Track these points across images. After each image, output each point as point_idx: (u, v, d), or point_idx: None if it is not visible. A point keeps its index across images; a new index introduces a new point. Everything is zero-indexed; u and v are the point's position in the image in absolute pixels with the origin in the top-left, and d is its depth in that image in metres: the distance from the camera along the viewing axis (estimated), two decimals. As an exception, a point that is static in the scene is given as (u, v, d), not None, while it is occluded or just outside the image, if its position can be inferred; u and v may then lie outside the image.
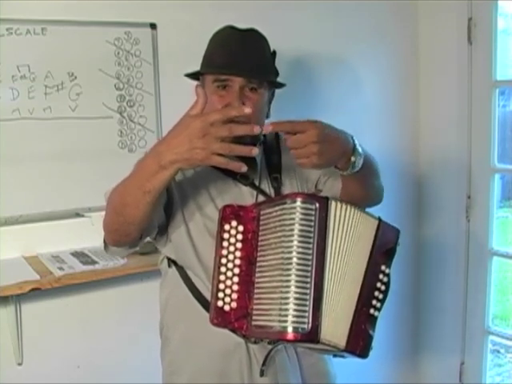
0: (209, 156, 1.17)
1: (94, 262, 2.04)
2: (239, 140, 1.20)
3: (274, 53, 1.58)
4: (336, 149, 1.32)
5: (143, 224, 1.34)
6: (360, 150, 1.38)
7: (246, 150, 1.19)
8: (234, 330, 1.40)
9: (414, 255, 3.13)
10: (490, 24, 2.70)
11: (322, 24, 2.70)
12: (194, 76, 1.59)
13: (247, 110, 1.18)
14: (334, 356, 1.45)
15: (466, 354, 2.96)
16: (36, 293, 1.94)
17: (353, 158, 1.37)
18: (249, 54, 1.49)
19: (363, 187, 1.54)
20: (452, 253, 2.98)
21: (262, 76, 1.51)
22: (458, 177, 2.91)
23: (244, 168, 1.20)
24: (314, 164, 1.29)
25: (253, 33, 1.54)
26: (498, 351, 3.44)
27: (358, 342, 1.32)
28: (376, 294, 1.37)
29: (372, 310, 1.36)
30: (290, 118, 1.29)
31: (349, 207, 1.35)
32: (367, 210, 1.41)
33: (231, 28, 1.55)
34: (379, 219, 1.39)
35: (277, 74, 1.59)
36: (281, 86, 1.61)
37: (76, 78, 2.17)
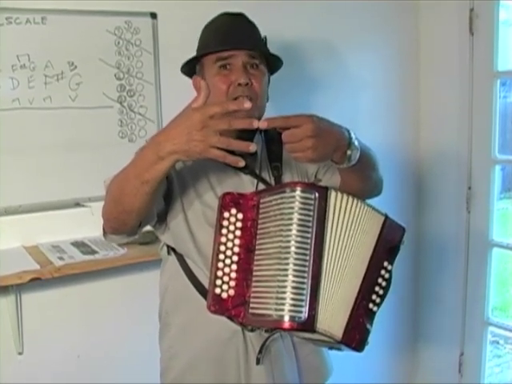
0: (207, 149, 1.18)
1: (94, 252, 2.04)
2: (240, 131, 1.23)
3: (265, 38, 1.60)
4: (331, 143, 1.32)
5: (142, 213, 1.35)
6: (356, 143, 1.38)
7: (244, 146, 1.21)
8: (231, 318, 1.40)
9: (414, 246, 3.13)
10: (491, 15, 2.70)
11: (323, 14, 2.69)
12: (190, 68, 1.60)
13: (247, 105, 1.19)
14: (330, 348, 1.46)
15: (465, 345, 2.97)
16: (36, 283, 1.94)
17: (348, 152, 1.37)
18: (245, 31, 1.53)
19: (361, 180, 1.54)
20: (452, 244, 2.98)
21: (262, 48, 1.54)
22: (459, 168, 2.91)
23: (241, 163, 1.21)
24: (309, 158, 1.30)
25: (244, 16, 1.58)
26: (498, 342, 3.45)
27: (355, 335, 1.32)
28: (376, 289, 1.37)
29: (371, 305, 1.36)
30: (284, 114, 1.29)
31: (350, 198, 1.35)
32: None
33: (222, 14, 1.58)
34: (386, 216, 1.39)
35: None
36: (277, 68, 1.63)
37: (76, 67, 2.17)
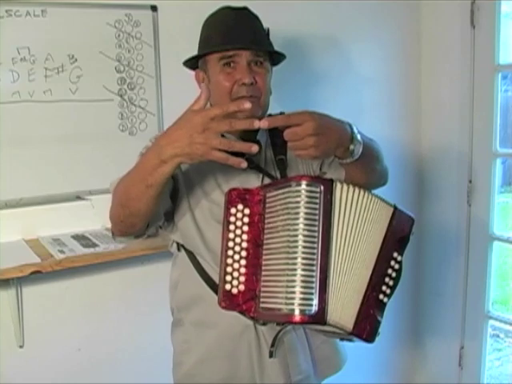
0: (209, 151, 1.18)
1: (94, 245, 2.04)
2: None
3: (268, 30, 1.59)
4: (333, 139, 1.33)
5: (148, 215, 1.36)
6: (358, 137, 1.38)
7: (246, 147, 1.21)
8: (242, 313, 1.40)
9: (415, 239, 3.10)
10: (493, 8, 2.69)
11: (325, 6, 2.68)
12: (193, 62, 1.59)
13: (247, 105, 1.19)
14: (341, 340, 1.46)
15: (465, 339, 2.97)
16: (37, 276, 1.94)
17: (351, 147, 1.38)
18: (249, 28, 1.51)
19: (365, 173, 1.54)
20: (453, 237, 2.98)
21: (268, 47, 1.54)
22: (460, 161, 2.90)
23: (243, 164, 1.22)
24: (311, 156, 1.31)
25: (247, 11, 1.56)
26: (498, 336, 3.46)
27: (365, 326, 1.32)
28: (387, 280, 1.37)
29: (381, 296, 1.36)
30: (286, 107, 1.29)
31: (357, 190, 1.35)
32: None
33: (225, 8, 1.56)
34: (395, 206, 1.40)
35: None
36: (279, 61, 1.63)
37: (76, 60, 2.16)
